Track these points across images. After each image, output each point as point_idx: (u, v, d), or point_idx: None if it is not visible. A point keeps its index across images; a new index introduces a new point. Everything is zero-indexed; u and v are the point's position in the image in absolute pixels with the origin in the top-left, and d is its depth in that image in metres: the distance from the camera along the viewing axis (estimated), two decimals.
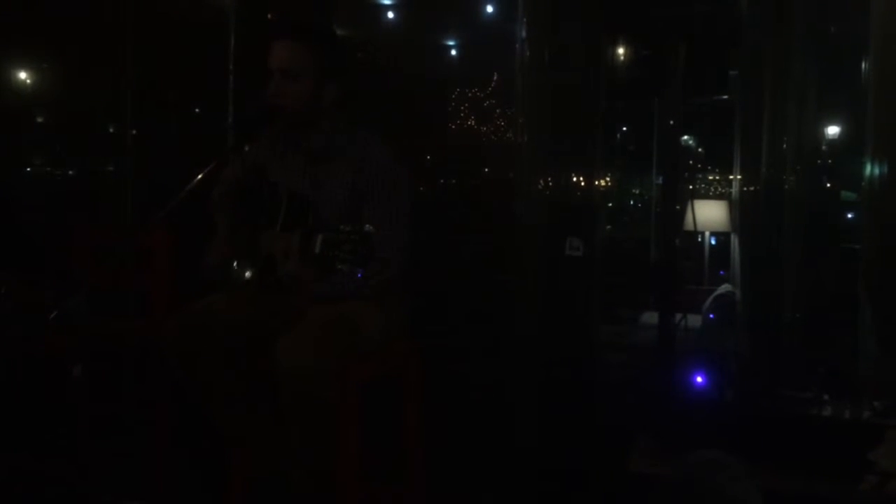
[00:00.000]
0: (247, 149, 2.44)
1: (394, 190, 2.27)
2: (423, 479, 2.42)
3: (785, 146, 3.26)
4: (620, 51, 2.98)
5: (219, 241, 2.35)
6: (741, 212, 3.71)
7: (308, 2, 4.12)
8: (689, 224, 3.79)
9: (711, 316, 3.67)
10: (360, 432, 2.19)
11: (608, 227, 5.60)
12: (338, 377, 2.08)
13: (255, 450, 2.29)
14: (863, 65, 2.96)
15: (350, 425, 2.16)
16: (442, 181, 5.40)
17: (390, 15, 5.91)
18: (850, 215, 3.62)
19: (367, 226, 1.83)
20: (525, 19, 3.27)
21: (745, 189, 3.56)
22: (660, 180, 4.64)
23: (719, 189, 5.64)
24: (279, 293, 2.24)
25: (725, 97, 3.48)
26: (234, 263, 2.28)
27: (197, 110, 4.38)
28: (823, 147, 3.46)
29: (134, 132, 3.96)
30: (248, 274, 2.28)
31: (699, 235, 4.61)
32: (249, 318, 2.23)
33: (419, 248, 2.34)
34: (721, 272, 4.53)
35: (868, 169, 2.90)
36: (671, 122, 2.84)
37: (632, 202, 6.34)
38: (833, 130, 3.58)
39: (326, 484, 2.14)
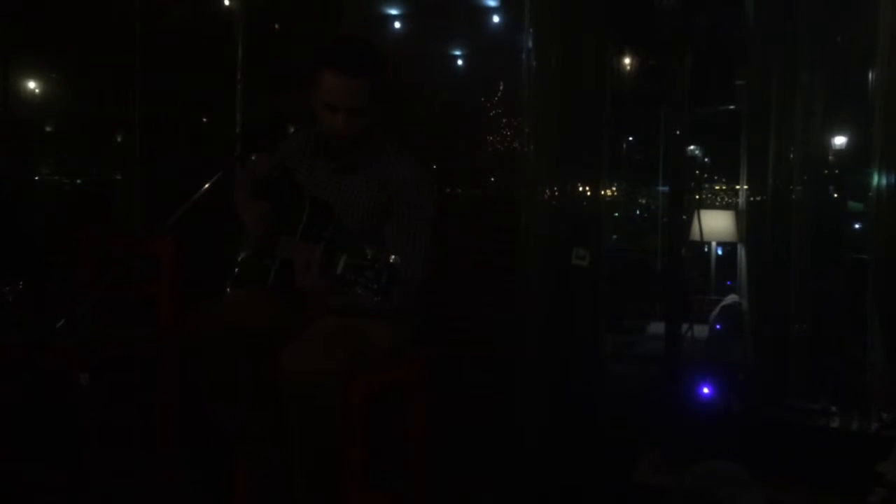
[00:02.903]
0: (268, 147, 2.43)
1: (419, 207, 2.26)
2: (426, 487, 2.42)
3: (791, 156, 3.25)
4: (627, 61, 2.98)
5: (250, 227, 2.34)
6: (748, 222, 3.70)
7: (315, 12, 4.13)
8: (695, 234, 3.78)
9: (718, 326, 3.66)
10: (364, 441, 2.18)
11: (614, 236, 5.58)
12: (343, 387, 2.08)
13: (259, 449, 2.29)
14: (870, 74, 2.96)
15: (355, 435, 2.16)
16: (448, 190, 5.39)
17: (397, 25, 5.93)
18: (857, 226, 3.60)
19: (394, 256, 1.81)
20: (532, 29, 3.28)
21: (751, 199, 3.55)
22: (666, 190, 4.63)
23: (726, 199, 5.63)
24: (292, 298, 2.25)
25: (732, 107, 3.48)
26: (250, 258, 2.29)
27: (204, 119, 4.40)
28: (830, 157, 3.45)
29: (141, 141, 3.98)
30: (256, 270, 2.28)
31: (706, 245, 4.60)
32: (262, 319, 2.24)
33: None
34: (728, 282, 4.52)
35: (875, 179, 2.90)
36: (678, 132, 2.84)
37: (638, 212, 6.33)
38: (840, 140, 3.57)
39: (330, 489, 2.13)
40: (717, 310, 3.82)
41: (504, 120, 6.30)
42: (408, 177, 2.30)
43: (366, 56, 2.27)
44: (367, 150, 2.33)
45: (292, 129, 2.59)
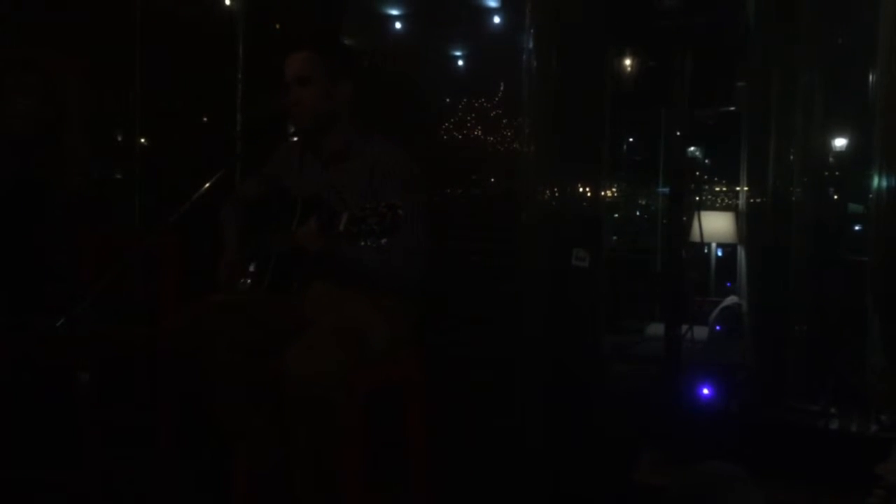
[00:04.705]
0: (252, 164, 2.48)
1: (406, 190, 2.28)
2: (427, 485, 2.42)
3: (792, 158, 3.25)
4: (627, 61, 2.98)
5: (227, 256, 2.37)
6: (748, 223, 3.70)
7: (316, 11, 4.14)
8: (695, 235, 3.79)
9: (718, 327, 3.66)
10: (365, 439, 2.19)
11: (614, 237, 5.59)
12: (345, 385, 2.09)
13: (258, 448, 2.29)
14: (870, 76, 2.96)
15: (356, 432, 2.16)
16: (448, 190, 5.40)
17: (398, 25, 5.94)
18: (857, 227, 3.61)
19: (392, 200, 1.84)
20: (532, 30, 3.28)
21: (751, 200, 3.55)
22: (666, 191, 4.64)
23: (726, 200, 5.64)
24: (290, 296, 2.26)
25: (732, 108, 3.47)
26: (245, 278, 2.30)
27: (205, 118, 4.40)
28: (830, 159, 3.45)
29: (142, 139, 3.98)
30: (250, 280, 2.29)
31: (706, 247, 4.60)
32: (258, 318, 2.24)
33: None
34: (727, 283, 4.53)
35: (875, 181, 2.90)
36: (678, 133, 2.84)
37: (638, 213, 6.34)
38: (840, 142, 3.57)
39: (331, 488, 2.14)
40: (716, 311, 3.82)
41: (504, 120, 6.32)
42: (396, 161, 2.34)
43: (305, 32, 2.36)
44: (344, 135, 2.37)
45: (292, 129, 2.61)
